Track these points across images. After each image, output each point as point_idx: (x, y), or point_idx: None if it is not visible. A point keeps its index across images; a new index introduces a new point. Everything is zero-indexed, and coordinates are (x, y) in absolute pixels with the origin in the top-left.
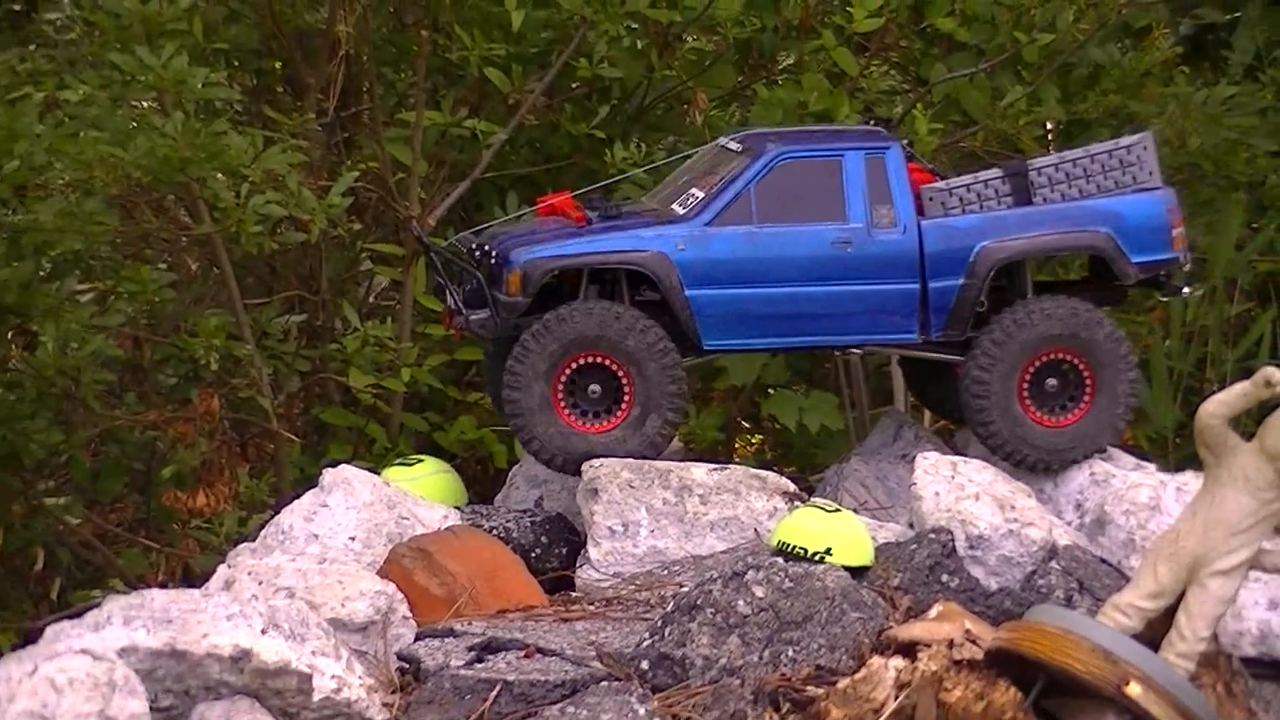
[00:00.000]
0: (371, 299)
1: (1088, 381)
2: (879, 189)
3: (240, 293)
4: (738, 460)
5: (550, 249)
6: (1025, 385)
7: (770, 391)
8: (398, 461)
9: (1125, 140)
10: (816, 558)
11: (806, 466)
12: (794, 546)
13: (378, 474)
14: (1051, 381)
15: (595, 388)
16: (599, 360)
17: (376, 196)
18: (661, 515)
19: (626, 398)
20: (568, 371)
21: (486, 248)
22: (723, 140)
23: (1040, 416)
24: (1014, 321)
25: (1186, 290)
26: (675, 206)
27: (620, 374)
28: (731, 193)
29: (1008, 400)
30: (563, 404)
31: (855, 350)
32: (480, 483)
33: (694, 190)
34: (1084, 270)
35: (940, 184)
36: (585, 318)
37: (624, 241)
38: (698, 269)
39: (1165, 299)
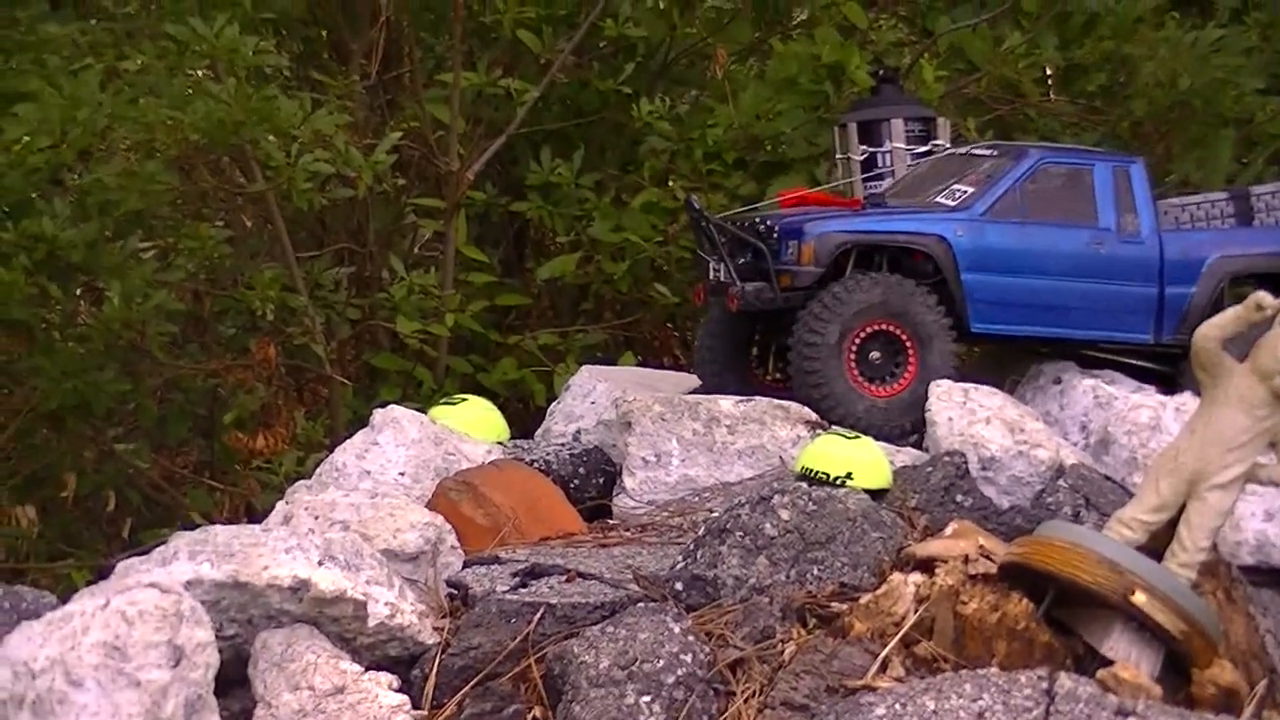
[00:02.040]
0: (416, 250)
1: None
2: (1125, 198)
3: (293, 247)
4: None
5: (842, 224)
6: None
7: None
8: (443, 401)
9: None
10: (838, 482)
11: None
12: (817, 472)
13: (425, 413)
14: None
15: (876, 354)
16: (888, 328)
17: (418, 153)
18: (692, 445)
19: (910, 366)
20: (860, 337)
21: (768, 223)
22: (964, 148)
23: None
24: None
25: None
26: (940, 199)
27: (907, 344)
28: (1002, 188)
29: None
30: (854, 368)
31: (1094, 353)
32: (521, 419)
33: (958, 186)
34: None
35: (1175, 200)
36: (879, 288)
37: (909, 224)
38: (974, 255)
39: None
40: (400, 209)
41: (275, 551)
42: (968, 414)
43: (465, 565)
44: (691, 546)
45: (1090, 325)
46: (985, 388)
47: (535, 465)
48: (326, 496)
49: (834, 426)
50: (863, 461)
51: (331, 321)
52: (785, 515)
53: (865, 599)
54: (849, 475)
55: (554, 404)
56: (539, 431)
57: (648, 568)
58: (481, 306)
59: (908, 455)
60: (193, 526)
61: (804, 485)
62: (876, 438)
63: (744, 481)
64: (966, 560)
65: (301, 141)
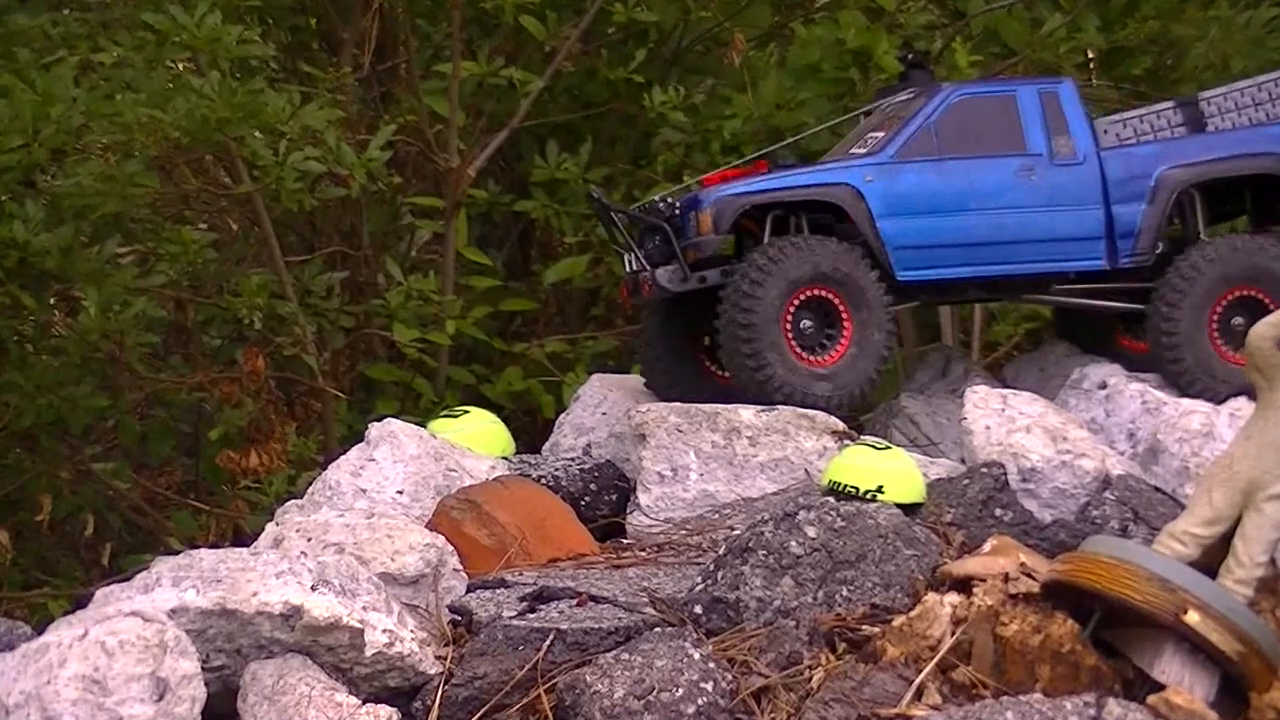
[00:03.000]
0: (414, 253)
1: None
2: (1056, 121)
3: (282, 251)
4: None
5: (740, 187)
6: (1215, 323)
7: None
8: (444, 414)
9: None
10: (868, 496)
11: (855, 405)
12: (845, 485)
13: (424, 427)
14: (1239, 320)
15: (808, 322)
16: (819, 294)
17: (415, 149)
18: (710, 458)
19: (845, 330)
20: (794, 305)
21: (669, 200)
22: (888, 99)
23: (1227, 352)
24: (1204, 256)
25: None
26: (855, 149)
27: (840, 307)
28: (912, 128)
29: (1198, 336)
30: (792, 339)
31: (1043, 299)
32: (528, 433)
33: (872, 134)
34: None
35: (1115, 116)
36: (802, 251)
37: (813, 176)
38: (888, 199)
39: None
40: (396, 209)
41: (265, 576)
42: (1006, 422)
43: (469, 589)
44: (711, 567)
45: (1034, 258)
46: (1025, 393)
47: (543, 481)
48: (320, 517)
49: (862, 437)
50: (894, 473)
51: (324, 330)
52: (812, 532)
53: (898, 621)
54: (879, 488)
55: (563, 416)
56: (547, 445)
57: (665, 590)
58: (484, 313)
59: (942, 467)
60: (177, 551)
61: (831, 500)
62: (827, 412)
63: (767, 497)
64: (1007, 579)
65: (290, 138)
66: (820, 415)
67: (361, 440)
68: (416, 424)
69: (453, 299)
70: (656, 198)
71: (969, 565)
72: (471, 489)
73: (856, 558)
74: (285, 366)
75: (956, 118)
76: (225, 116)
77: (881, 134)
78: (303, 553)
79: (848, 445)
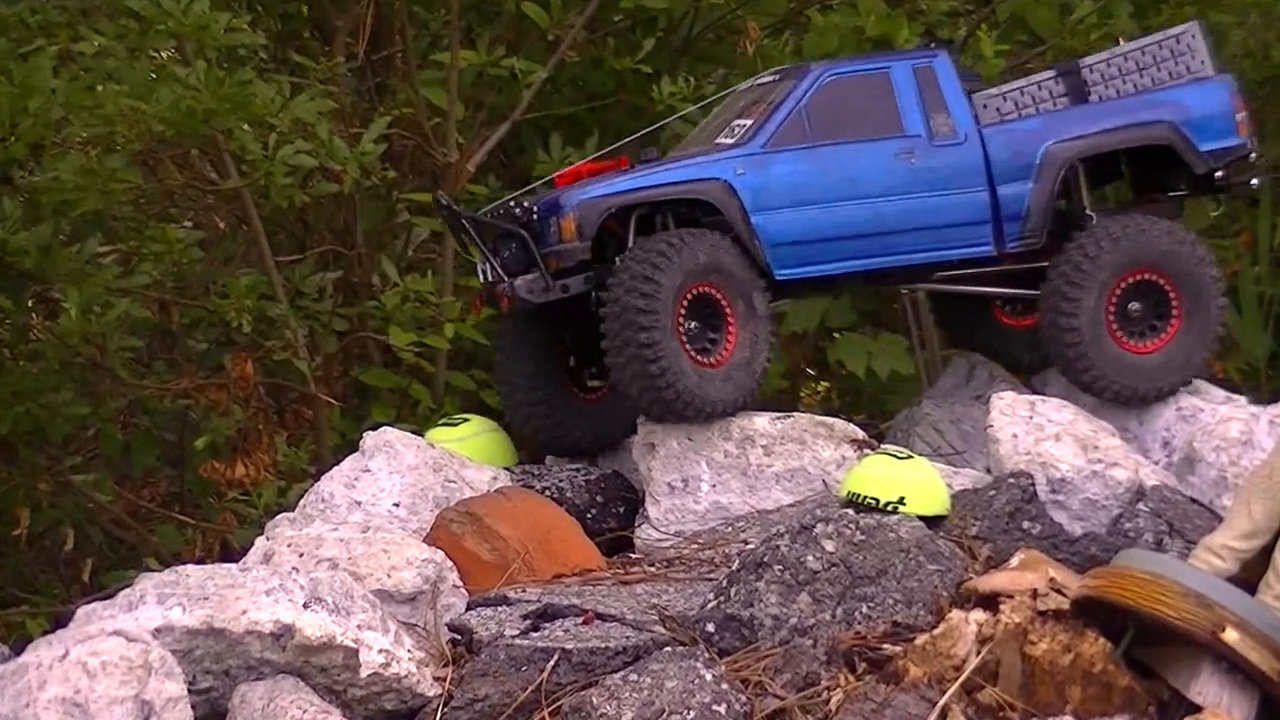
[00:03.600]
0: (410, 252)
1: (1174, 307)
2: (933, 98)
3: (271, 250)
4: (803, 409)
5: (602, 188)
6: (1112, 310)
7: (836, 336)
8: (442, 422)
9: (1174, 30)
10: (889, 508)
11: (876, 412)
12: (865, 497)
13: (422, 436)
14: (1135, 306)
15: (694, 324)
16: (712, 292)
17: (412, 143)
18: (723, 469)
19: (731, 334)
20: (687, 301)
21: (526, 204)
22: (751, 80)
23: (1127, 342)
24: (1107, 234)
25: (1255, 183)
26: (721, 139)
27: (727, 309)
28: (782, 114)
29: (1096, 325)
30: (687, 342)
31: (928, 285)
32: (531, 442)
33: (738, 121)
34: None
35: (993, 90)
36: (703, 245)
37: (680, 172)
38: (760, 192)
39: (1233, 197)
40: (392, 206)
41: (255, 593)
42: (1034, 429)
43: (469, 606)
44: (724, 583)
45: (918, 248)
46: (1054, 399)
47: (547, 493)
48: (312, 531)
49: (883, 446)
50: (916, 484)
51: (316, 334)
52: (830, 546)
53: (921, 640)
54: (901, 500)
55: None
56: (550, 455)
57: (675, 607)
58: (486, 315)
59: (967, 477)
60: (162, 566)
61: (850, 512)
62: (723, 414)
63: (783, 509)
64: (1035, 595)
65: (280, 131)
66: (839, 423)
67: (356, 450)
68: (414, 432)
69: (451, 300)
70: (510, 200)
71: (995, 581)
72: (472, 501)
73: (877, 573)
74: (275, 372)
75: (829, 100)
76: (211, 108)
77: (749, 121)
78: (294, 568)
79: (867, 454)
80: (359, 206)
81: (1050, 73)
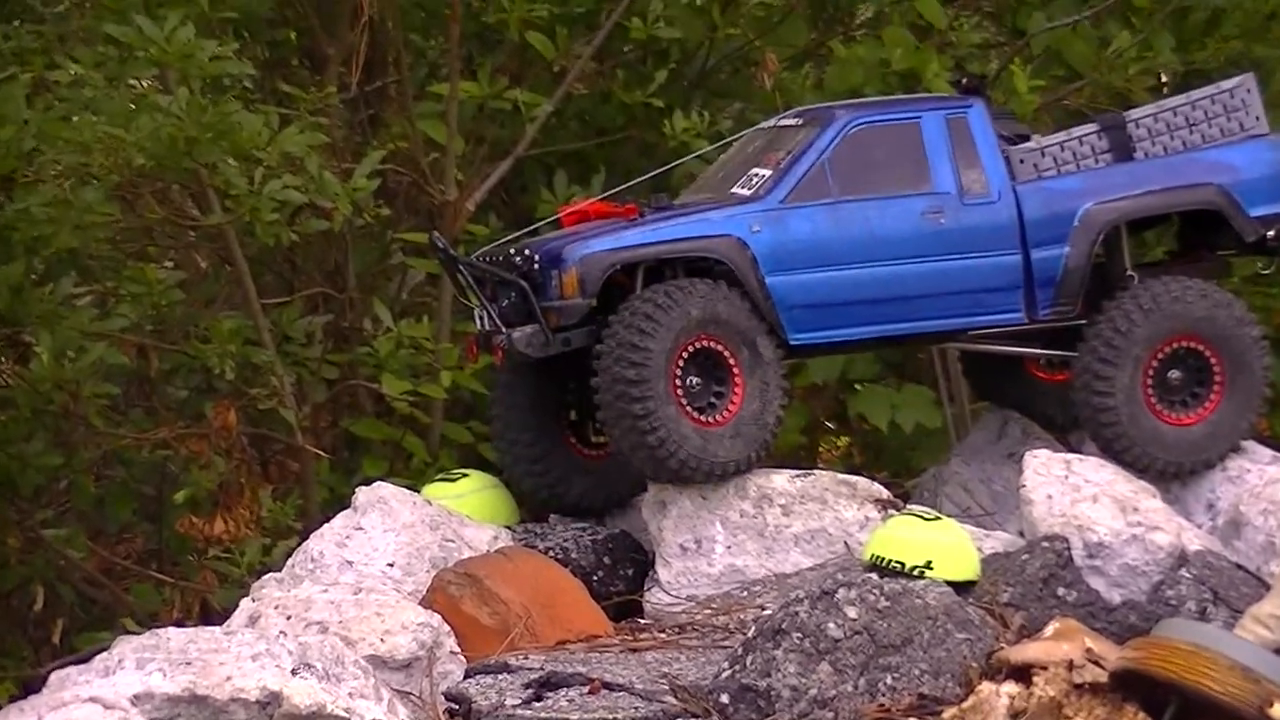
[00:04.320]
0: (405, 295)
1: (1216, 372)
2: (965, 152)
3: (257, 291)
4: (823, 466)
5: (608, 242)
6: (1149, 381)
7: (858, 387)
8: (440, 477)
9: (1227, 83)
10: (915, 572)
11: (901, 470)
12: (889, 560)
13: (418, 492)
14: (1175, 374)
15: (696, 379)
16: (712, 345)
17: (408, 179)
18: (739, 529)
19: (737, 387)
20: (684, 358)
21: (527, 253)
22: (773, 120)
23: (1168, 415)
24: (1138, 305)
25: None
26: (737, 190)
27: (730, 361)
28: (804, 166)
29: (1133, 402)
30: (682, 398)
31: (954, 344)
32: (533, 498)
33: (756, 170)
34: (1171, 246)
35: (1031, 144)
36: (694, 299)
37: (691, 227)
38: (777, 252)
39: None
40: (386, 246)
41: (240, 659)
42: (1070, 490)
43: (468, 674)
44: (740, 651)
45: (943, 313)
46: (1092, 459)
47: (551, 553)
48: (300, 592)
49: (909, 506)
50: (944, 547)
51: (304, 381)
52: (852, 613)
53: (949, 714)
54: (928, 564)
55: None
56: (554, 515)
57: (687, 676)
58: (486, 363)
59: (999, 540)
60: (138, 628)
61: (874, 577)
62: (734, 473)
63: (802, 573)
64: (1071, 666)
65: (267, 165)
66: (861, 481)
67: (345, 505)
68: (409, 488)
69: (448, 347)
70: (510, 247)
71: (1029, 651)
72: (471, 562)
73: (902, 642)
74: (260, 422)
75: (854, 151)
76: (194, 137)
77: (768, 171)
78: (282, 632)
79: (892, 515)
80: (350, 246)
81: (1093, 127)
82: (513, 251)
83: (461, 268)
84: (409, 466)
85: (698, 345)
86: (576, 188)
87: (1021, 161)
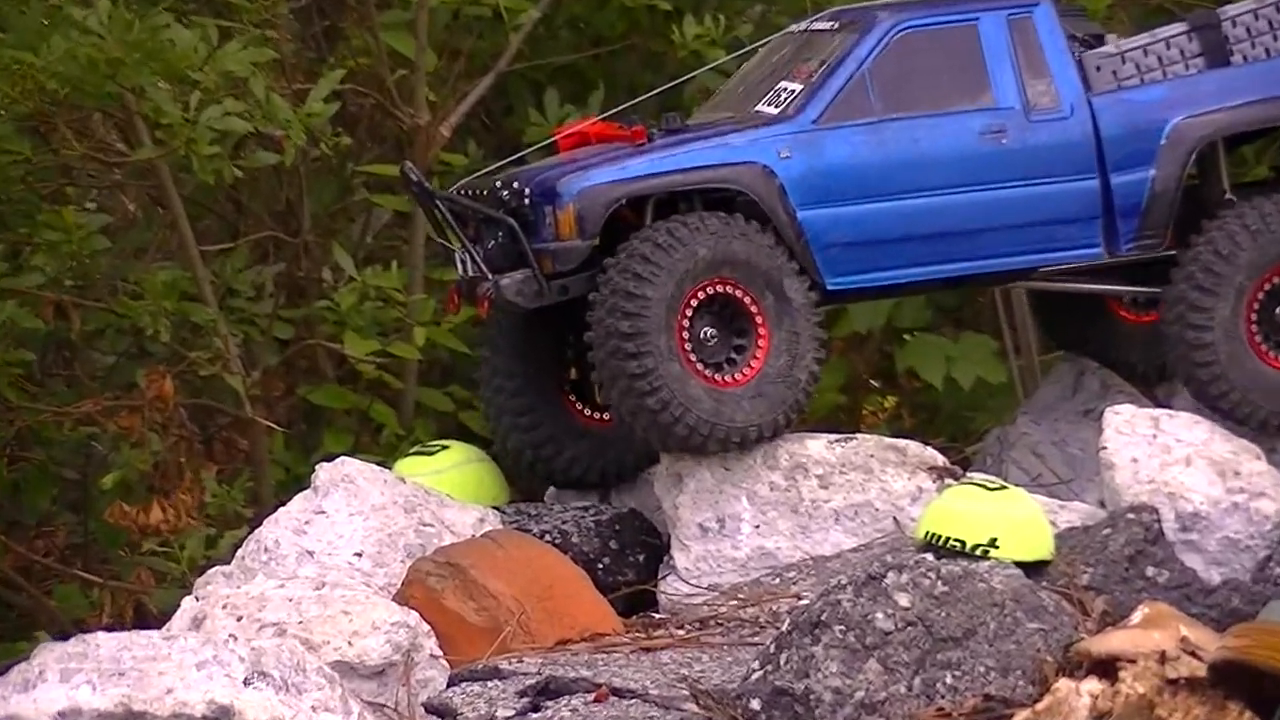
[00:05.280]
0: (370, 239)
1: None
2: (1032, 59)
3: (195, 238)
4: (867, 430)
5: (611, 172)
6: (1254, 316)
7: (907, 337)
8: (415, 450)
9: None
10: (978, 552)
11: (959, 433)
12: (947, 539)
13: (389, 468)
14: None
15: (711, 330)
16: (728, 290)
17: (371, 102)
18: (769, 505)
19: (762, 339)
20: (693, 307)
21: (516, 186)
22: (803, 23)
23: (1273, 355)
24: (1243, 226)
25: None
26: (762, 107)
27: (754, 310)
28: (841, 79)
29: (1234, 339)
30: (690, 353)
31: (1021, 284)
32: (525, 474)
33: (784, 84)
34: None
35: (1108, 48)
36: (703, 235)
37: (708, 153)
38: (811, 182)
39: None
40: (347, 181)
41: (183, 667)
42: (1160, 452)
43: (451, 682)
44: (772, 648)
45: (1007, 250)
46: (1184, 414)
47: (547, 538)
48: (253, 589)
49: (969, 474)
50: (1012, 522)
51: (252, 342)
52: (904, 601)
53: (1021, 716)
54: (993, 542)
55: None
56: (551, 490)
57: (710, 679)
58: (466, 317)
59: (1076, 513)
60: (64, 635)
61: (929, 558)
62: (757, 440)
63: (844, 555)
64: (1163, 659)
65: (204, 88)
66: (913, 446)
67: (306, 487)
68: (378, 464)
69: (423, 298)
70: (497, 179)
71: (1113, 642)
72: (453, 549)
73: (964, 634)
74: (201, 391)
75: (900, 60)
76: (118, 58)
77: (798, 85)
78: (232, 635)
79: (950, 486)
80: (305, 182)
81: (1181, 26)
82: (499, 184)
83: (439, 204)
84: (378, 440)
85: (711, 291)
86: (571, 108)
87: (1098, 69)
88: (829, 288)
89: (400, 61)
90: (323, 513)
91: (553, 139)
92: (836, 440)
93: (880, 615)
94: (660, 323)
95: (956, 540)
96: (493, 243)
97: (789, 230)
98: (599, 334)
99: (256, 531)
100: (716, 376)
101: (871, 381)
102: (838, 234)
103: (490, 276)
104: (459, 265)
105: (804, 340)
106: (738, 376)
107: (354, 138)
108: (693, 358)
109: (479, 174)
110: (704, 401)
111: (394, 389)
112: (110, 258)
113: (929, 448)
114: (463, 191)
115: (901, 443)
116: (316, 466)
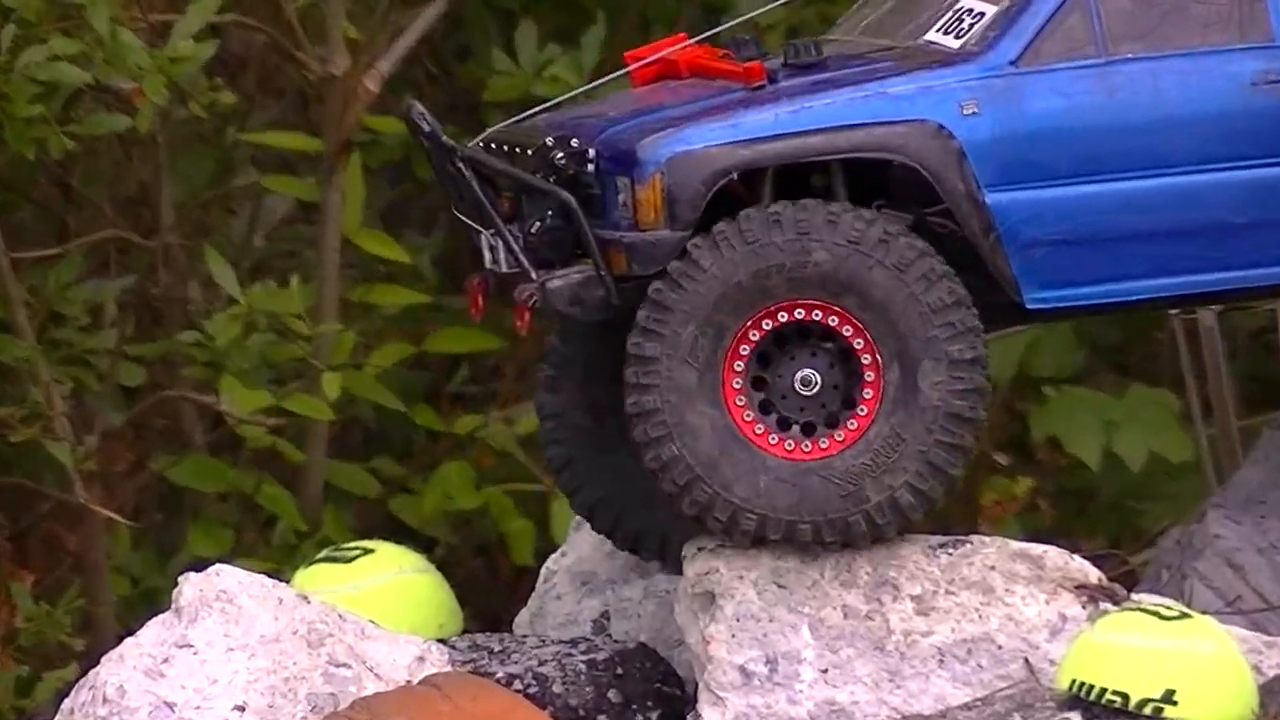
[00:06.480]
0: (260, 240)
1: None
2: None
3: (7, 239)
4: (987, 529)
5: (717, 130)
6: None
7: (1048, 391)
8: (324, 556)
9: None
10: (1148, 710)
11: (1122, 534)
12: (1103, 690)
13: (286, 581)
14: None
15: (808, 374)
16: (816, 319)
17: (264, 41)
18: (842, 639)
19: (869, 391)
20: (752, 341)
21: (575, 144)
22: None
23: None
24: None
25: None
26: (935, 36)
27: (860, 345)
28: (1053, 1)
29: None
30: (743, 407)
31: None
32: (485, 590)
33: (967, 5)
34: None
35: None
36: (781, 231)
37: (856, 106)
38: (1006, 150)
39: None
40: (228, 155)
41: None
42: None
43: None
44: None
45: None
46: None
47: (518, 685)
48: None
49: (1136, 596)
50: (1196, 667)
51: (86, 392)
52: None
53: None
54: (1168, 696)
55: (553, 558)
56: (522, 615)
57: None
58: (398, 357)
59: None
60: None
61: (1077, 718)
62: (789, 541)
63: (951, 712)
64: None
65: (22, 19)
66: (1053, 554)
67: (165, 609)
68: (270, 575)
69: (337, 328)
70: (547, 133)
71: None
72: (379, 701)
73: None
74: (13, 464)
75: None
76: None
77: (988, 7)
78: None
79: (1108, 613)
80: (166, 159)
81: None
82: (551, 141)
83: (461, 164)
84: (268, 538)
85: (785, 319)
86: (555, 48)
87: None
88: (1029, 305)
89: None
90: (189, 646)
91: (626, 70)
92: (942, 544)
93: None
94: (688, 348)
95: (1116, 694)
96: (538, 224)
97: (971, 216)
98: (628, 377)
99: (92, 673)
100: (782, 440)
101: (995, 456)
102: (1044, 227)
103: (534, 274)
104: (486, 253)
105: (931, 412)
106: (817, 447)
107: (240, 93)
108: (745, 409)
109: (520, 119)
110: (753, 478)
111: (293, 463)
112: None
113: (1077, 556)
114: (497, 148)
115: (1037, 548)
116: (179, 578)
